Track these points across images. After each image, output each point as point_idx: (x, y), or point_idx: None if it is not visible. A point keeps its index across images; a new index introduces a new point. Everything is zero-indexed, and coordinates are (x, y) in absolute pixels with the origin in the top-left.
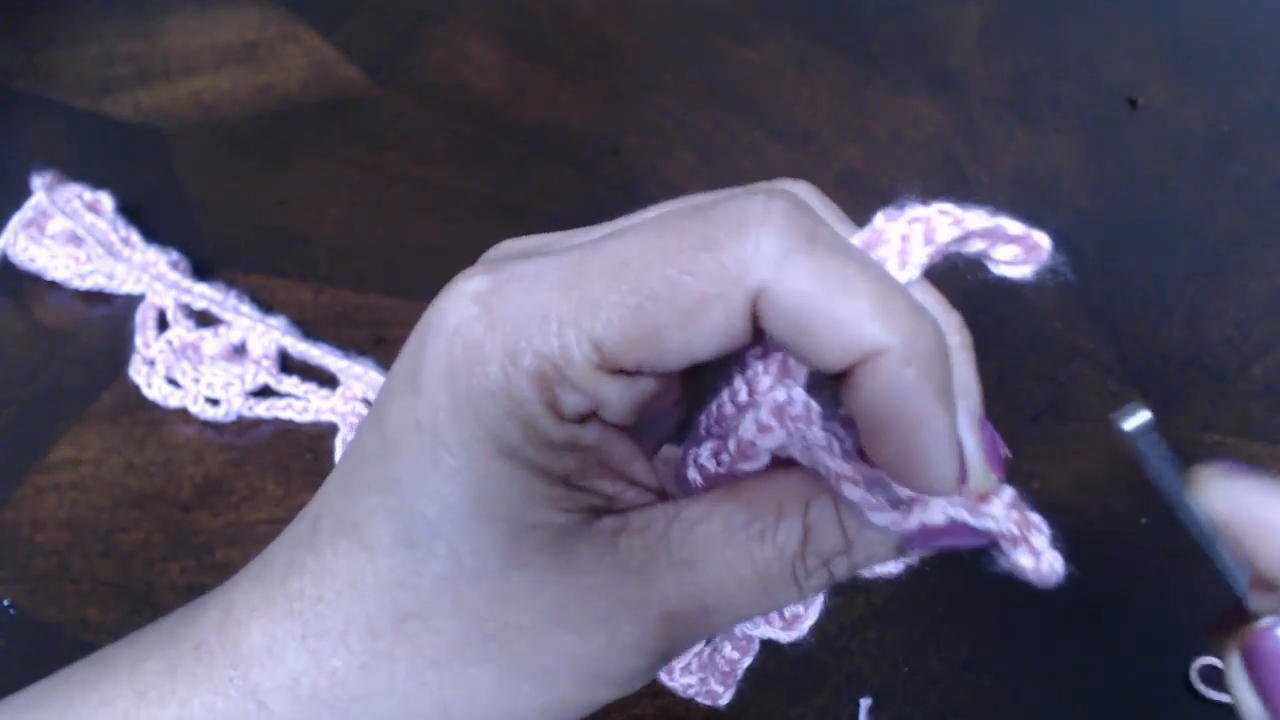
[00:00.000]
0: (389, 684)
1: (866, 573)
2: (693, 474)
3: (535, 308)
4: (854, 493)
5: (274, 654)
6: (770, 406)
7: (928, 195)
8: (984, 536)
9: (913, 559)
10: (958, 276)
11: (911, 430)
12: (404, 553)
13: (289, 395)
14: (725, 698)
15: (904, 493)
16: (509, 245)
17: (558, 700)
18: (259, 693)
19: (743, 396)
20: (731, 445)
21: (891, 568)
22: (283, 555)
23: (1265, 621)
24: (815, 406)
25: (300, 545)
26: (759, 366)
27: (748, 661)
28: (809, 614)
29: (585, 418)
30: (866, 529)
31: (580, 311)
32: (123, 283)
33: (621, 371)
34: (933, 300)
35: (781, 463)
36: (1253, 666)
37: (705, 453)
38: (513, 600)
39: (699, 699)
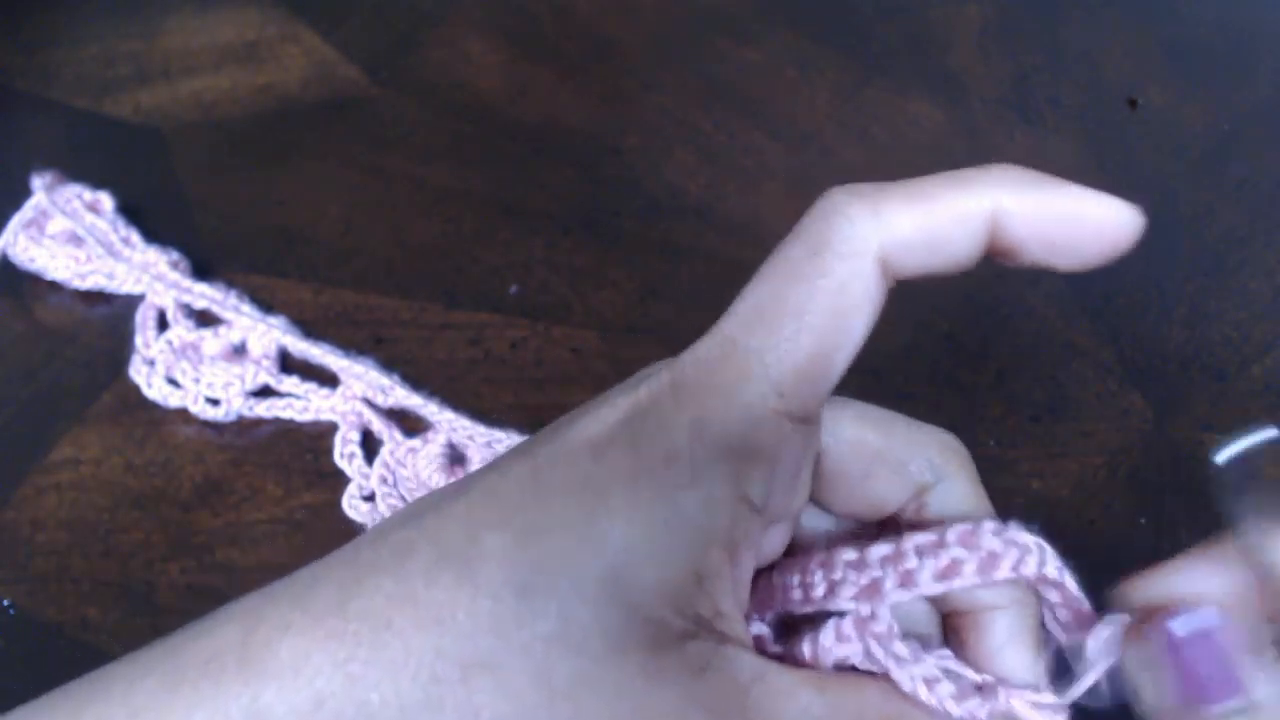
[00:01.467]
0: None
1: None
2: (756, 629)
3: (711, 373)
4: (941, 691)
5: (301, 675)
6: (855, 619)
7: None
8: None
9: None
10: (957, 277)
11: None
12: (512, 602)
13: (289, 395)
14: None
15: (976, 678)
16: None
17: None
18: (266, 716)
19: (818, 593)
20: (805, 648)
21: None
22: (341, 575)
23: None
24: (897, 626)
25: (376, 569)
26: (851, 575)
27: None
28: None
29: (746, 501)
30: None
31: (758, 350)
32: (123, 283)
33: (802, 420)
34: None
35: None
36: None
37: (770, 632)
38: (595, 690)
39: None
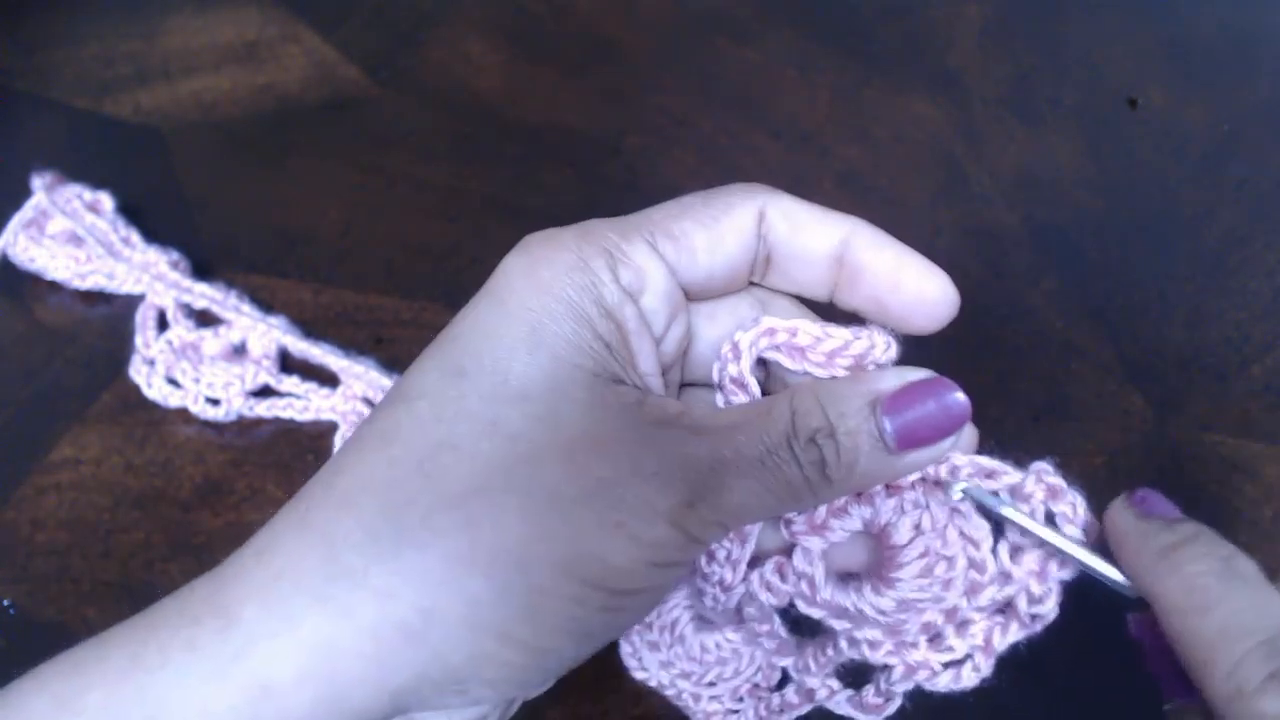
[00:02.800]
0: (395, 539)
1: (825, 701)
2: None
3: (603, 226)
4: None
5: (262, 551)
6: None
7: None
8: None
9: (888, 709)
10: (957, 278)
11: (899, 260)
12: (449, 386)
13: (289, 395)
14: None
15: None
16: None
17: (582, 550)
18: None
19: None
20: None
21: (849, 708)
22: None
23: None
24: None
25: (329, 463)
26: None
27: (802, 712)
28: (890, 705)
29: (634, 296)
30: (845, 414)
31: (637, 222)
32: (123, 283)
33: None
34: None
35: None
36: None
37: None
38: (549, 424)
39: None
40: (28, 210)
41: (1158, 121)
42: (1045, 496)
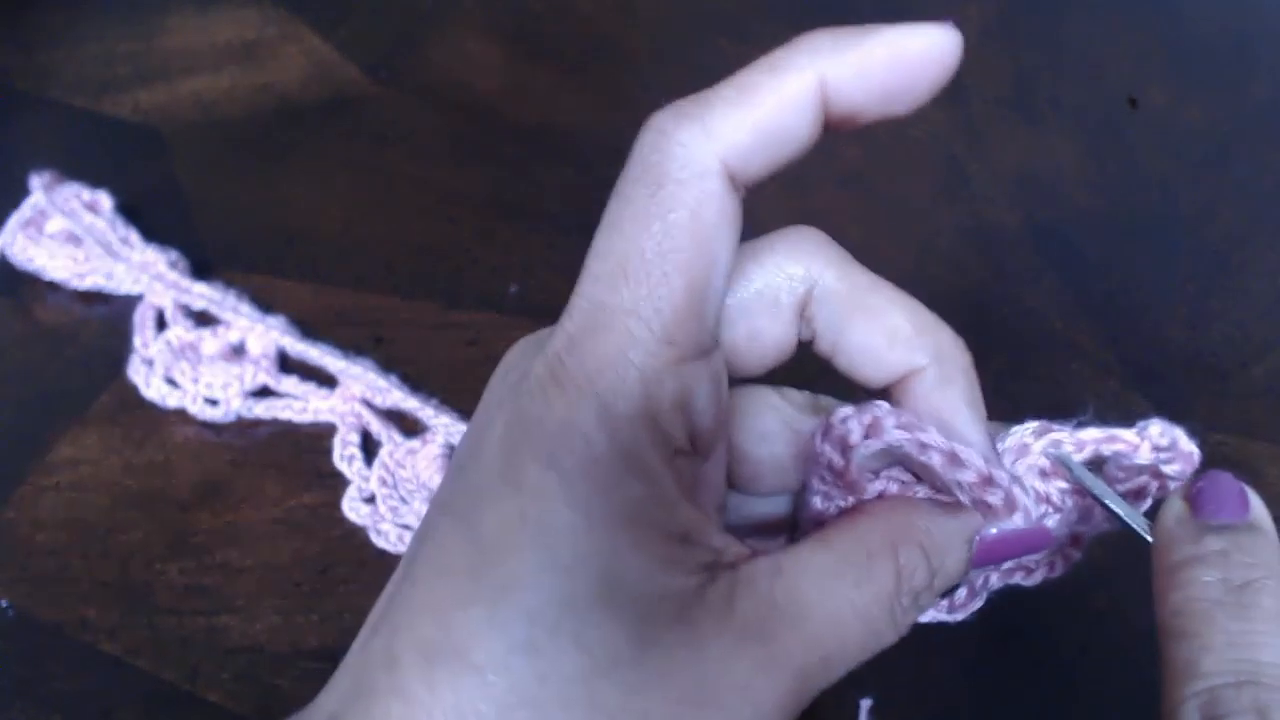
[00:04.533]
0: None
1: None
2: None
3: (593, 351)
4: (968, 456)
5: None
6: (867, 421)
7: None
8: (1042, 534)
9: (975, 600)
10: (957, 278)
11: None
12: (523, 663)
13: (288, 395)
14: None
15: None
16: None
17: None
18: None
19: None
20: (805, 517)
21: (934, 613)
22: (346, 698)
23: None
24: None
25: (369, 691)
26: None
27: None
28: (976, 601)
29: (682, 451)
30: (947, 558)
31: (632, 309)
32: (122, 283)
33: (701, 354)
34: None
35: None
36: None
37: (816, 497)
38: (649, 689)
39: None
40: (26, 210)
41: (1158, 121)
42: (1155, 458)
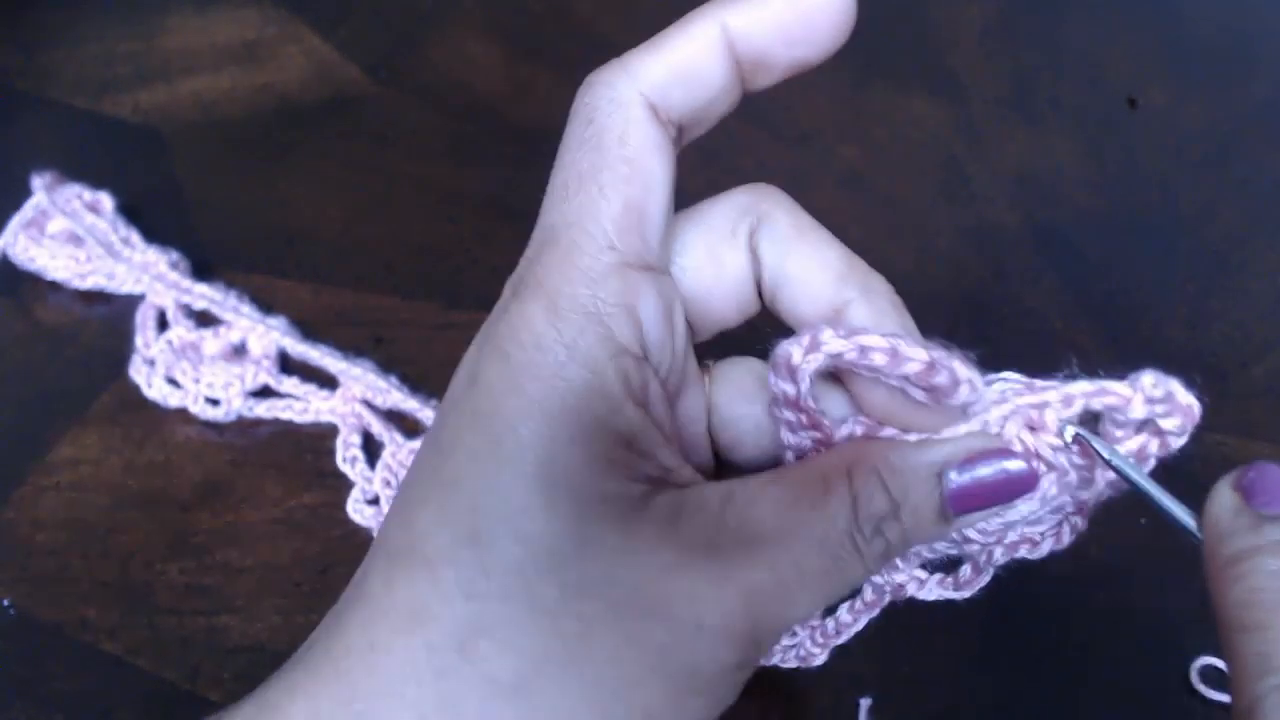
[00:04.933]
0: None
1: (916, 592)
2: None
3: (542, 257)
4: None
5: None
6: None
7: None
8: (1020, 467)
9: (981, 577)
10: (957, 277)
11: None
12: (469, 555)
13: (289, 395)
14: (820, 658)
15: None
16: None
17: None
18: None
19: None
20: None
21: (940, 590)
22: (327, 622)
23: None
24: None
25: (347, 602)
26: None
27: (861, 624)
28: (982, 577)
29: (629, 352)
30: (910, 488)
31: (576, 220)
32: (123, 283)
33: (645, 267)
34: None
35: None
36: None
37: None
38: (590, 591)
39: (786, 663)
40: (28, 210)
41: (1158, 121)
42: (1149, 412)
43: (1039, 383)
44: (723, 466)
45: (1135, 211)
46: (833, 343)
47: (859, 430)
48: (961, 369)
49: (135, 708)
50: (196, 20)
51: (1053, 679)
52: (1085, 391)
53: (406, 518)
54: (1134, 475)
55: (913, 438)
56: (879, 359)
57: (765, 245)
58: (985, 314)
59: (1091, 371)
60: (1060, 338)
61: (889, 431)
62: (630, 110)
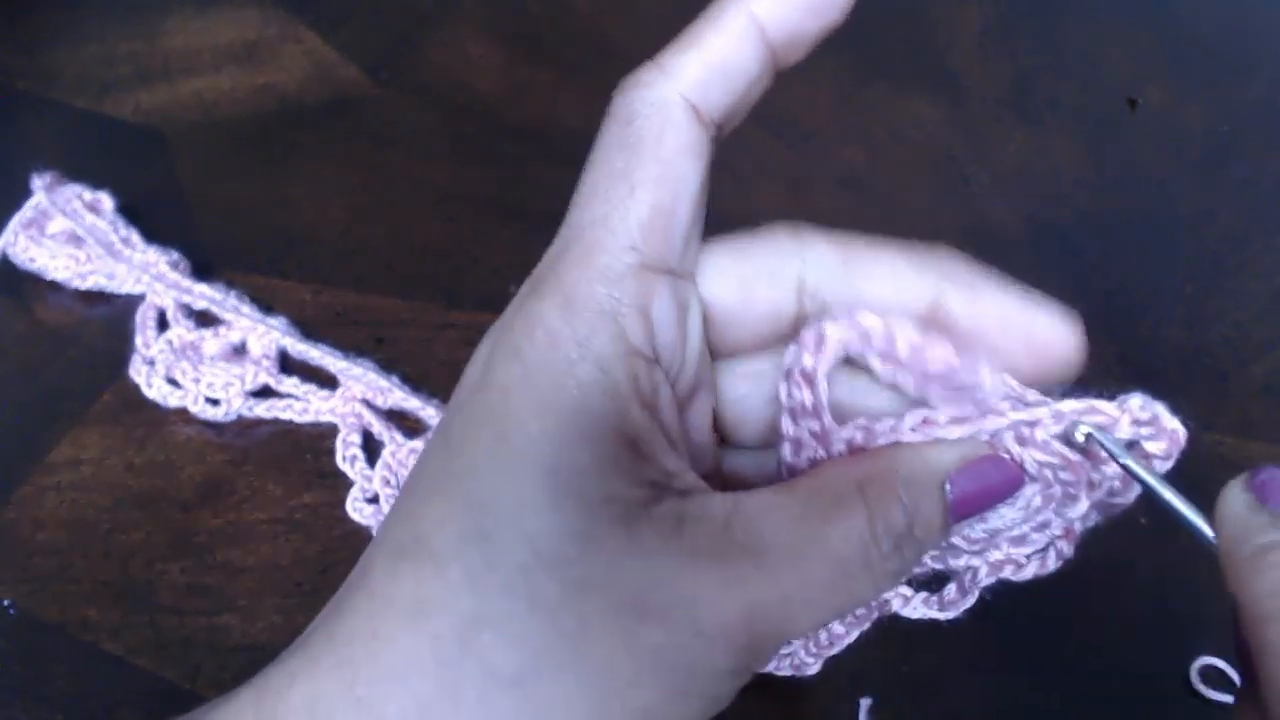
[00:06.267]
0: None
1: (901, 609)
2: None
3: (565, 255)
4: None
5: (315, 714)
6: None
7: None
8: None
9: (966, 598)
10: None
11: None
12: (475, 551)
13: (289, 395)
14: (814, 668)
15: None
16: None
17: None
18: None
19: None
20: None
21: (925, 609)
22: (328, 612)
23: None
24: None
25: (349, 591)
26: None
27: (853, 637)
28: (968, 599)
29: (640, 353)
30: (920, 501)
31: (602, 219)
32: (123, 283)
33: (665, 271)
34: None
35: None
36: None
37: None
38: (591, 590)
39: (780, 671)
40: (28, 210)
41: (1158, 121)
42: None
43: (1031, 394)
44: (721, 445)
45: (1134, 212)
46: (841, 331)
47: (858, 437)
48: (981, 360)
49: (136, 707)
50: (197, 21)
51: (1053, 679)
52: (1075, 410)
53: (414, 511)
54: (1145, 475)
55: (909, 435)
56: (876, 341)
57: (824, 286)
58: None
59: (1091, 372)
60: None
61: (884, 426)
62: (671, 112)
